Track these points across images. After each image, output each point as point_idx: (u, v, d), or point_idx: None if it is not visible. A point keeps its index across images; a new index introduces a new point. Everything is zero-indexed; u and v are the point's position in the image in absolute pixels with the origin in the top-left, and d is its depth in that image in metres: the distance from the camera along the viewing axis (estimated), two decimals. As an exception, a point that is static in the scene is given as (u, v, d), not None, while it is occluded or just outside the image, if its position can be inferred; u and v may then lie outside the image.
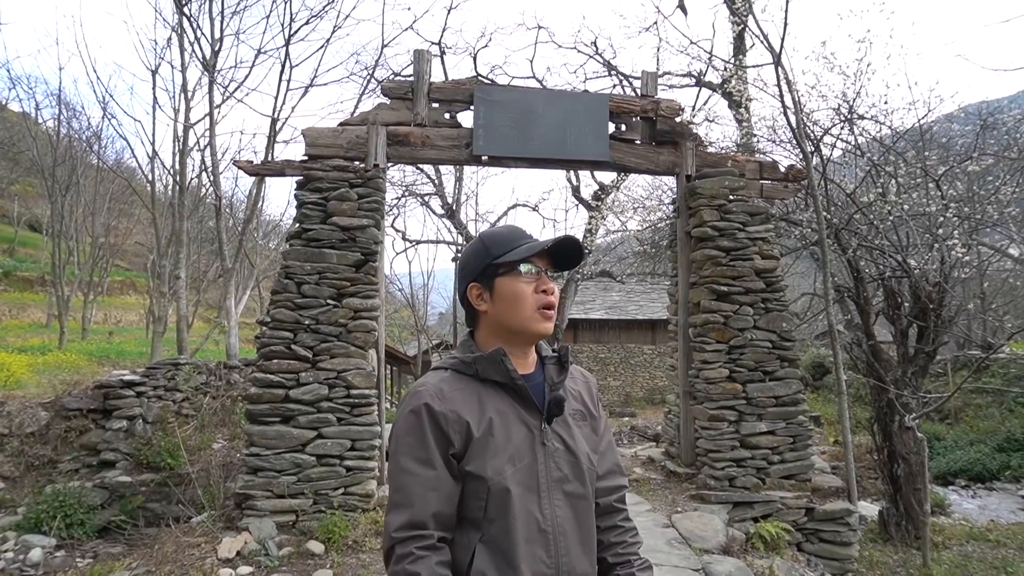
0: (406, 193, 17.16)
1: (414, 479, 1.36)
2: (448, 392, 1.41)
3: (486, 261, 1.49)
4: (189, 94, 11.14)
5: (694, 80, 12.92)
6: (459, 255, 1.49)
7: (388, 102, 6.32)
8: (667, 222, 10.50)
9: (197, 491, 6.33)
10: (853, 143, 8.39)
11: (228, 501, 5.83)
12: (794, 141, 7.57)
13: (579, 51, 13.73)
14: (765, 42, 6.87)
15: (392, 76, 12.53)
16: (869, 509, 8.34)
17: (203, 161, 12.45)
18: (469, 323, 1.57)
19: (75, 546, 6.37)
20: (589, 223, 16.00)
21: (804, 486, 6.24)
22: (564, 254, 1.51)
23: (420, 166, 15.52)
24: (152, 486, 7.29)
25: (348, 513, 5.41)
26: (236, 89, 12.24)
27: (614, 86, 13.23)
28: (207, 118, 10.83)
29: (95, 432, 7.67)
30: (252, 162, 6.39)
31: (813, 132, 7.85)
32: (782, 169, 6.95)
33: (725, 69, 10.92)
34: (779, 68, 6.65)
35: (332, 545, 5.06)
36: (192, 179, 13.38)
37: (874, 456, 8.38)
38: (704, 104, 13.69)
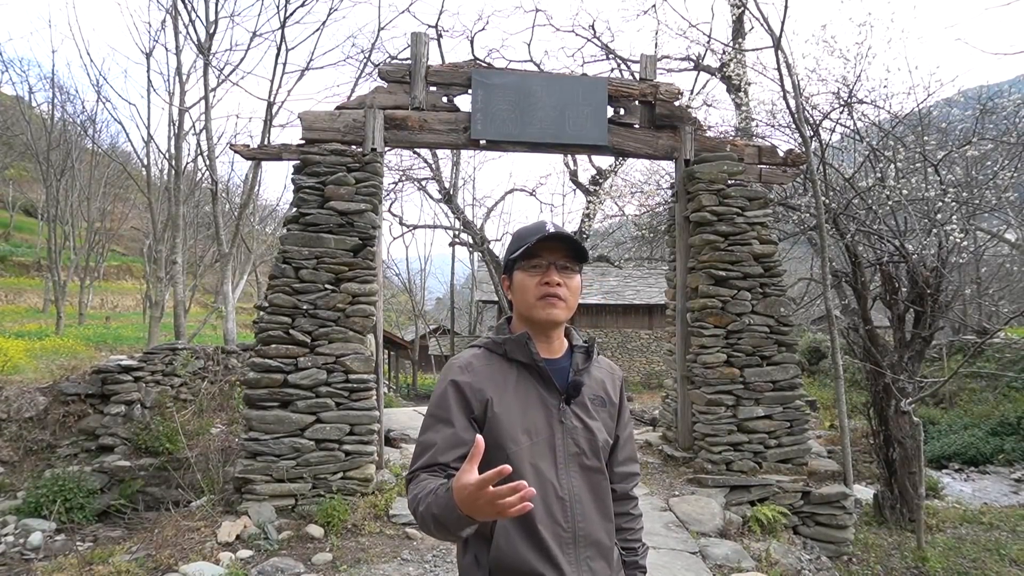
0: (403, 178, 17.12)
1: (436, 435, 1.53)
2: (477, 366, 1.60)
3: (508, 257, 1.68)
4: (184, 77, 11.06)
5: (692, 64, 12.86)
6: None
7: (385, 86, 6.27)
8: (665, 207, 10.48)
9: (196, 475, 6.35)
10: (852, 128, 8.37)
11: (227, 485, 5.85)
12: (793, 125, 7.55)
13: (577, 34, 13.66)
14: (765, 25, 6.83)
15: (389, 59, 12.45)
16: (864, 492, 8.41)
17: (199, 145, 12.41)
18: (510, 308, 1.78)
19: (75, 530, 6.40)
20: (587, 208, 15.99)
21: (801, 470, 6.28)
22: (572, 247, 1.63)
23: (417, 150, 15.46)
24: (151, 470, 7.31)
25: (347, 497, 5.43)
26: (231, 72, 12.17)
27: (612, 70, 13.16)
28: (202, 102, 10.76)
29: (93, 417, 7.68)
30: (248, 146, 6.34)
31: (812, 116, 7.83)
32: (781, 154, 6.92)
33: (724, 52, 10.86)
34: (779, 51, 6.61)
35: (331, 529, 5.08)
36: (188, 163, 13.33)
37: (870, 440, 8.44)
38: (703, 88, 13.64)
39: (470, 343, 1.71)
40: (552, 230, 1.61)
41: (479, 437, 1.30)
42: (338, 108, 6.17)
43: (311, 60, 12.22)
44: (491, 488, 1.21)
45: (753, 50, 11.33)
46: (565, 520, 1.54)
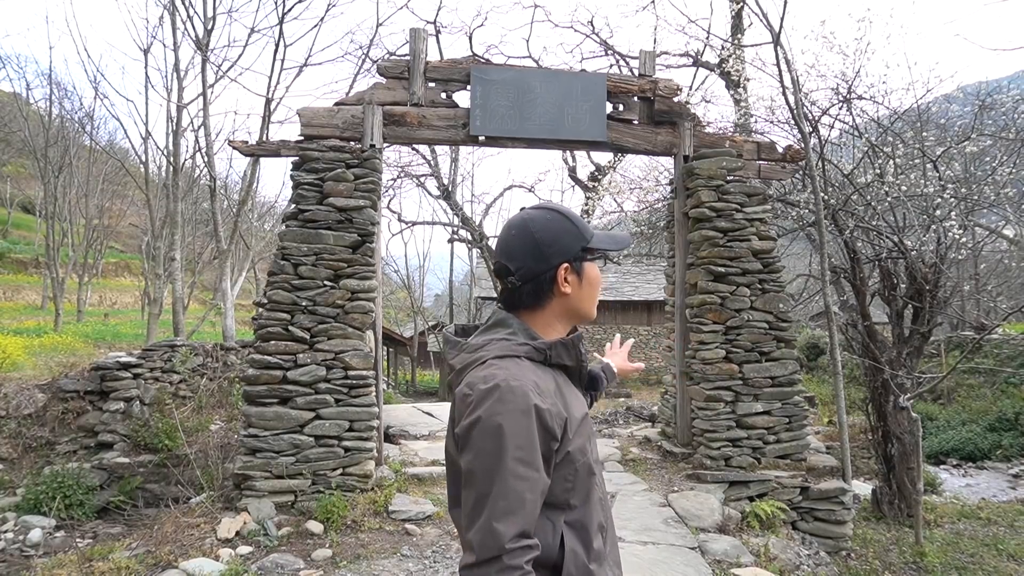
0: (402, 174, 17.10)
1: (526, 484, 1.25)
2: (542, 385, 1.33)
3: (581, 243, 1.44)
4: (182, 74, 11.04)
5: (691, 60, 12.85)
6: (519, 228, 1.29)
7: (384, 82, 6.26)
8: (664, 203, 10.48)
9: (195, 472, 6.36)
10: (851, 124, 8.36)
11: (227, 482, 5.86)
12: (792, 121, 7.54)
13: (576, 30, 13.66)
14: (764, 21, 6.82)
15: (387, 55, 12.42)
16: (862, 488, 8.42)
17: (197, 142, 12.38)
18: (530, 302, 1.45)
19: (74, 527, 6.40)
20: (586, 204, 15.98)
21: (799, 466, 6.29)
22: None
23: (416, 147, 15.44)
24: (150, 467, 7.32)
25: (346, 493, 5.43)
26: (230, 69, 12.15)
27: (611, 66, 13.16)
28: (200, 98, 10.73)
29: (92, 414, 7.67)
30: (247, 142, 6.33)
31: (811, 112, 7.81)
32: (780, 150, 6.92)
33: (723, 48, 10.85)
34: (778, 47, 6.60)
35: (331, 525, 5.09)
36: (186, 160, 13.32)
37: (868, 436, 8.45)
38: (701, 84, 13.65)
39: (497, 354, 1.36)
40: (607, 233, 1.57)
41: None
42: (337, 104, 6.16)
43: (309, 56, 12.16)
44: None
45: (752, 46, 11.33)
46: (607, 521, 1.47)
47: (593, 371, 1.56)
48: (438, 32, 13.57)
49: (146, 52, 11.69)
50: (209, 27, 10.62)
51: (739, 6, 10.73)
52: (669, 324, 7.42)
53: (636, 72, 6.83)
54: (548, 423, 1.28)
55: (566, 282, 1.42)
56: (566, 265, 1.42)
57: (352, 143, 6.05)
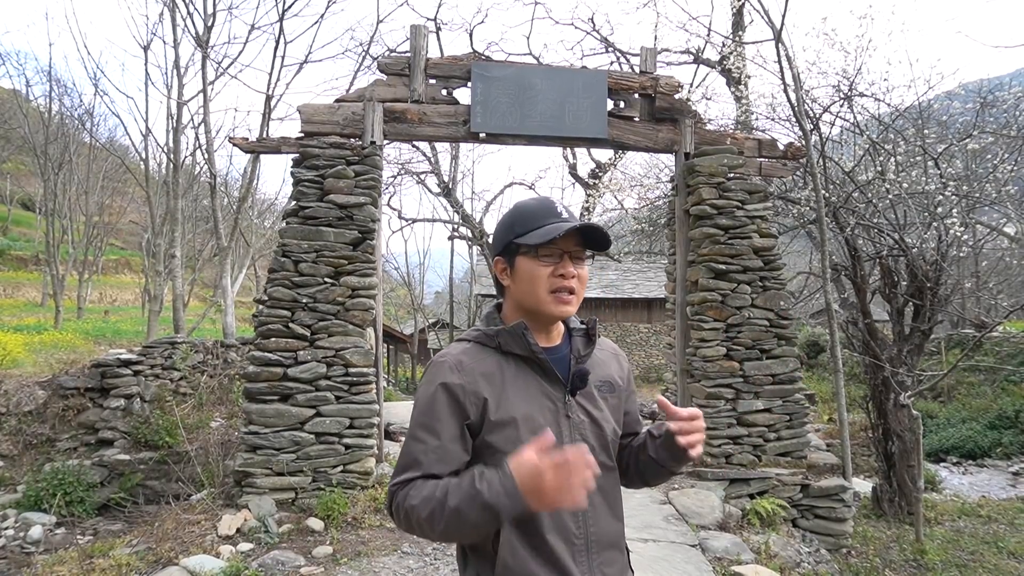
0: (402, 171, 17.07)
1: (421, 447, 1.38)
2: (468, 364, 1.41)
3: (509, 237, 1.46)
4: (182, 70, 11.02)
5: (692, 57, 12.83)
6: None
7: (384, 78, 6.24)
8: (665, 200, 10.47)
9: (196, 469, 6.36)
10: (852, 121, 8.34)
11: (227, 479, 5.86)
12: (793, 119, 7.54)
13: (576, 27, 13.64)
14: (766, 18, 6.80)
15: (388, 52, 12.40)
16: (863, 486, 8.43)
17: (197, 139, 12.35)
18: (498, 291, 1.58)
19: (75, 523, 6.40)
20: (586, 201, 15.98)
21: (800, 463, 6.29)
22: (591, 237, 1.46)
23: (416, 144, 15.42)
24: (151, 464, 7.32)
25: (347, 490, 5.44)
26: (230, 66, 12.12)
27: (612, 63, 13.14)
28: (200, 95, 10.71)
29: (93, 411, 7.68)
30: (247, 139, 6.32)
31: (812, 109, 7.80)
32: (781, 147, 6.90)
33: (724, 45, 10.84)
34: (780, 44, 6.59)
35: (331, 522, 5.09)
36: (186, 157, 13.29)
37: (868, 433, 8.45)
38: (702, 81, 13.63)
39: (457, 337, 1.58)
40: (566, 215, 1.43)
41: (549, 432, 1.22)
42: (337, 101, 6.15)
43: (310, 53, 12.09)
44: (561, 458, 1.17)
45: (753, 43, 11.32)
46: (577, 527, 1.40)
47: (582, 370, 1.47)
48: (438, 29, 13.54)
49: (146, 49, 11.67)
50: (209, 24, 10.60)
51: (740, 3, 10.70)
52: (670, 321, 7.41)
53: (637, 69, 6.82)
54: (459, 398, 1.38)
55: (504, 274, 1.50)
56: (498, 258, 1.50)
57: (353, 140, 6.04)
